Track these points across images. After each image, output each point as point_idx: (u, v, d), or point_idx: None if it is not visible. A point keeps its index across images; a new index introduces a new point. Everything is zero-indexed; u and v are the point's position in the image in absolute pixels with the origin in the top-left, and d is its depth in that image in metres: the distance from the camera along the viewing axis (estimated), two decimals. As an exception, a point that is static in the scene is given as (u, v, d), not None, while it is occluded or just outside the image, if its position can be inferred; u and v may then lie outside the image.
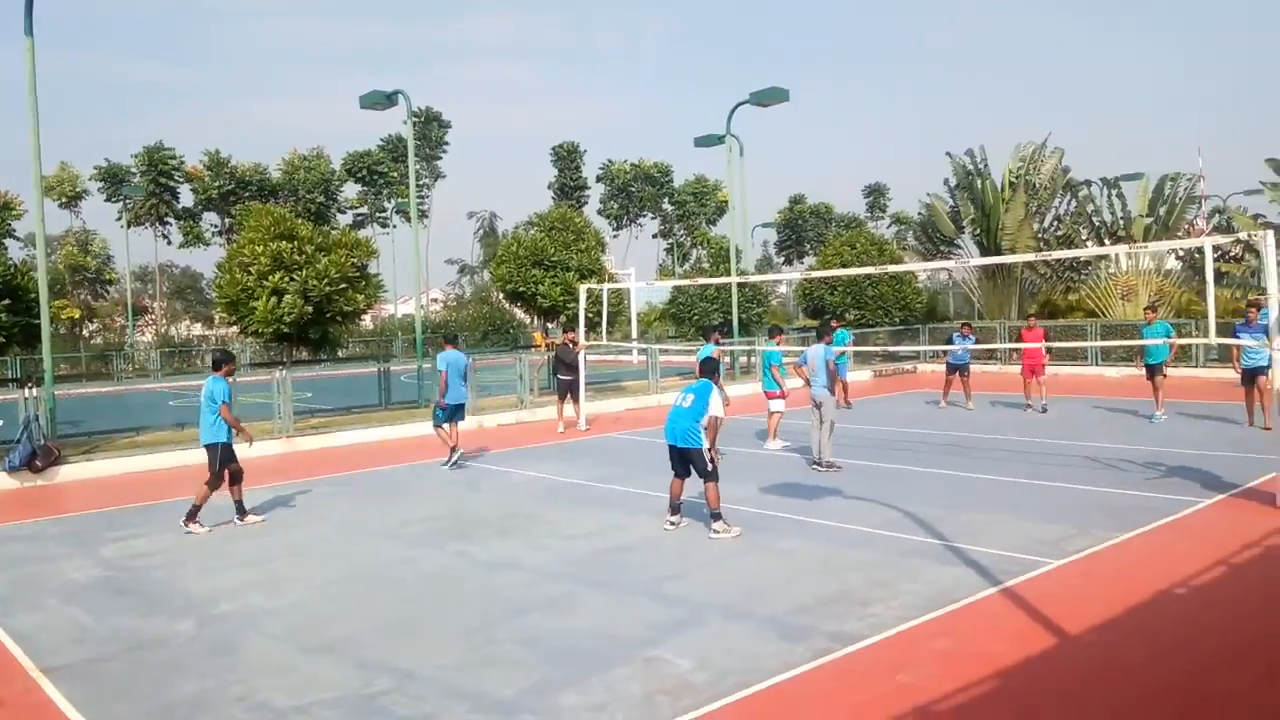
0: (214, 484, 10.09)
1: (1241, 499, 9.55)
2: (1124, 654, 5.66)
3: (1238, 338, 13.61)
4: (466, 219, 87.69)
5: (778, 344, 14.69)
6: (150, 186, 55.87)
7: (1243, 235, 12.80)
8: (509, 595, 7.30)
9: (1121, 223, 32.47)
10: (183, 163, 57.67)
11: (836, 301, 31.27)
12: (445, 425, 13.71)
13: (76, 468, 13.97)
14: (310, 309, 19.22)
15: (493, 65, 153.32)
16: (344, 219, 62.12)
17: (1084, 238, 33.12)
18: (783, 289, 59.54)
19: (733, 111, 25.65)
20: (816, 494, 10.56)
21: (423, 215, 68.59)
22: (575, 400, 17.32)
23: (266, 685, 5.63)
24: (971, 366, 19.07)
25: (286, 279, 18.93)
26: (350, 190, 63.84)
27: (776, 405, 14.13)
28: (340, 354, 30.71)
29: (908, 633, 6.07)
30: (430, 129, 66.10)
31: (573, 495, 11.26)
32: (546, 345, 27.20)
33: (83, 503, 12.06)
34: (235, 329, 23.56)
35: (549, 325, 26.82)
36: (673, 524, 9.15)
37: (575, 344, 17.42)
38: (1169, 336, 15.50)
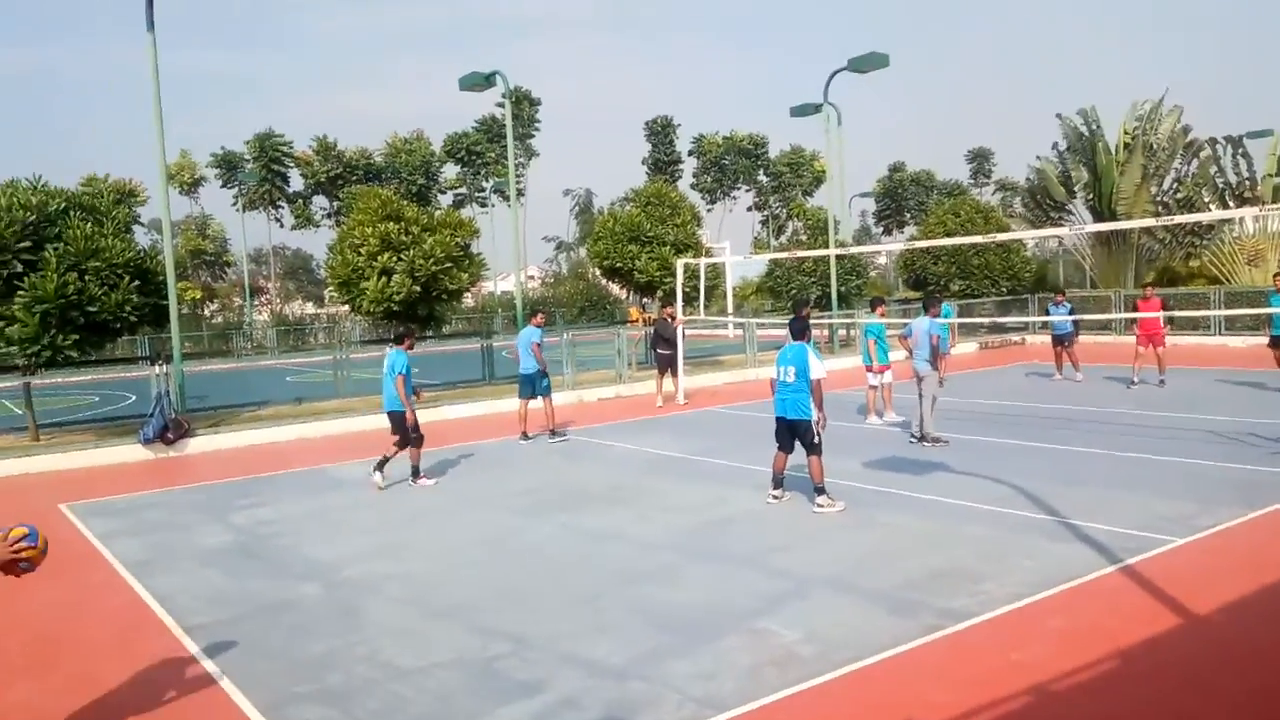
0: (418, 440, 10.93)
1: (1386, 476, 8.98)
2: (1257, 635, 5.43)
3: None
4: (562, 196, 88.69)
5: (880, 315, 14.38)
6: (262, 172, 58.22)
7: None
8: (617, 565, 7.45)
9: (1248, 183, 30.54)
10: (292, 148, 59.86)
11: (940, 272, 30.41)
12: (524, 399, 14.04)
13: (204, 440, 14.79)
14: (418, 288, 19.76)
15: (577, 38, 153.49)
16: (445, 199, 63.47)
17: (1206, 200, 31.30)
18: (882, 260, 58.21)
19: (830, 79, 25.11)
20: (921, 469, 10.39)
21: (520, 194, 69.57)
22: (674, 375, 17.40)
23: (390, 646, 5.91)
24: (1078, 336, 18.24)
25: (394, 259, 19.47)
26: (450, 171, 65.15)
27: (875, 380, 13.90)
28: (445, 330, 31.54)
29: (1022, 610, 5.95)
30: (522, 108, 66.80)
31: (675, 468, 11.35)
32: (643, 320, 27.34)
33: (212, 473, 12.78)
34: (346, 308, 24.40)
35: (645, 301, 26.90)
36: (775, 498, 9.15)
37: (673, 319, 17.47)
38: None
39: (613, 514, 9.20)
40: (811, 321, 13.64)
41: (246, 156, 59.39)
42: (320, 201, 61.48)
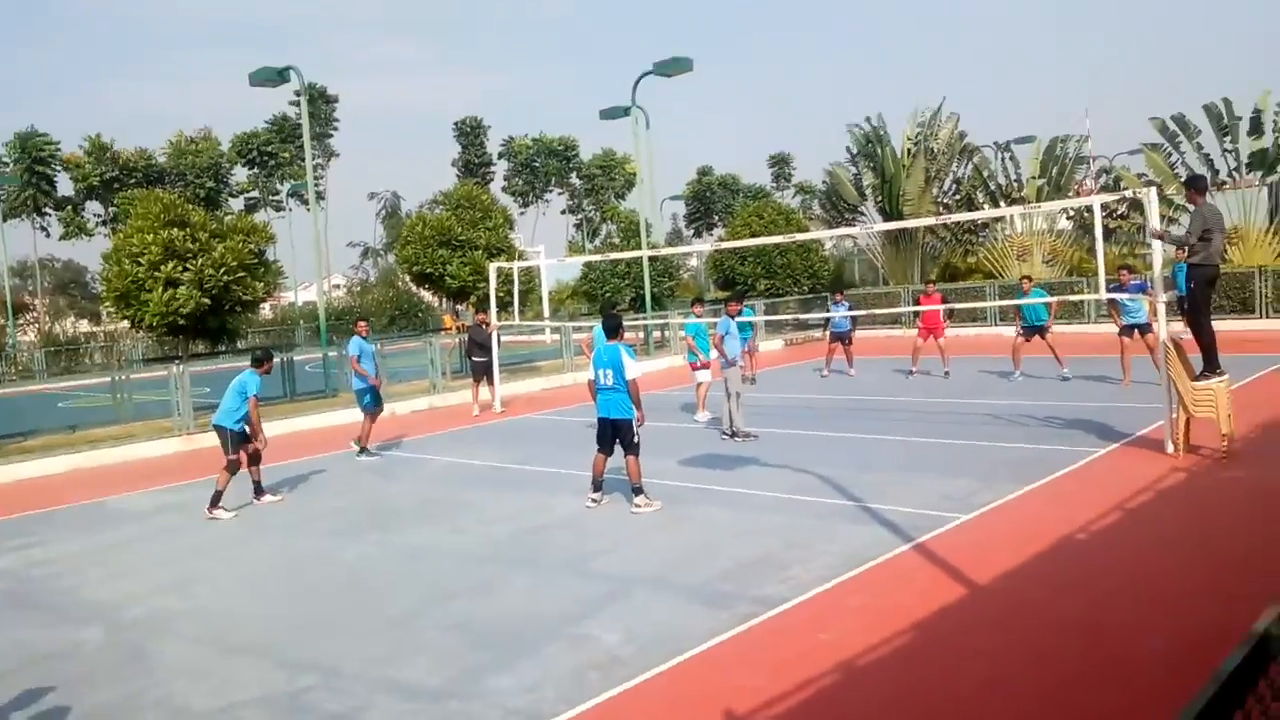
0: (232, 467, 10.16)
1: (1133, 447, 10.08)
2: (1030, 595, 5.94)
3: (1110, 304, 14.38)
4: (368, 200, 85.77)
5: (697, 315, 14.67)
6: (25, 176, 52.73)
7: (1128, 192, 13.45)
8: (432, 582, 7.22)
9: (1016, 185, 33.65)
10: (59, 149, 54.58)
11: (747, 272, 31.63)
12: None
13: (-40, 477, 13.17)
14: (208, 300, 18.48)
15: (380, 40, 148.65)
16: (236, 204, 59.86)
17: (981, 200, 34.21)
18: (694, 261, 59.88)
19: (637, 82, 25.56)
20: (733, 463, 10.72)
21: (319, 197, 66.62)
22: (490, 382, 17.15)
23: (185, 689, 5.45)
24: (854, 332, 19.26)
25: (180, 268, 18.14)
26: (240, 173, 61.52)
27: (702, 376, 14.19)
28: (240, 345, 29.68)
29: (826, 592, 6.23)
30: (318, 106, 64.01)
31: (492, 479, 11.17)
32: (457, 328, 26.80)
33: (-31, 514, 11.39)
34: (126, 324, 22.47)
35: (459, 307, 26.41)
36: (595, 501, 9.16)
37: (488, 325, 17.22)
38: (1045, 301, 15.96)
39: (427, 529, 8.92)
40: (626, 322, 13.81)
41: (4, 159, 53.62)
42: (94, 208, 56.42)
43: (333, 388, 20.16)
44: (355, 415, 17.44)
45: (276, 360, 20.93)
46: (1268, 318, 21.85)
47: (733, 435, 12.24)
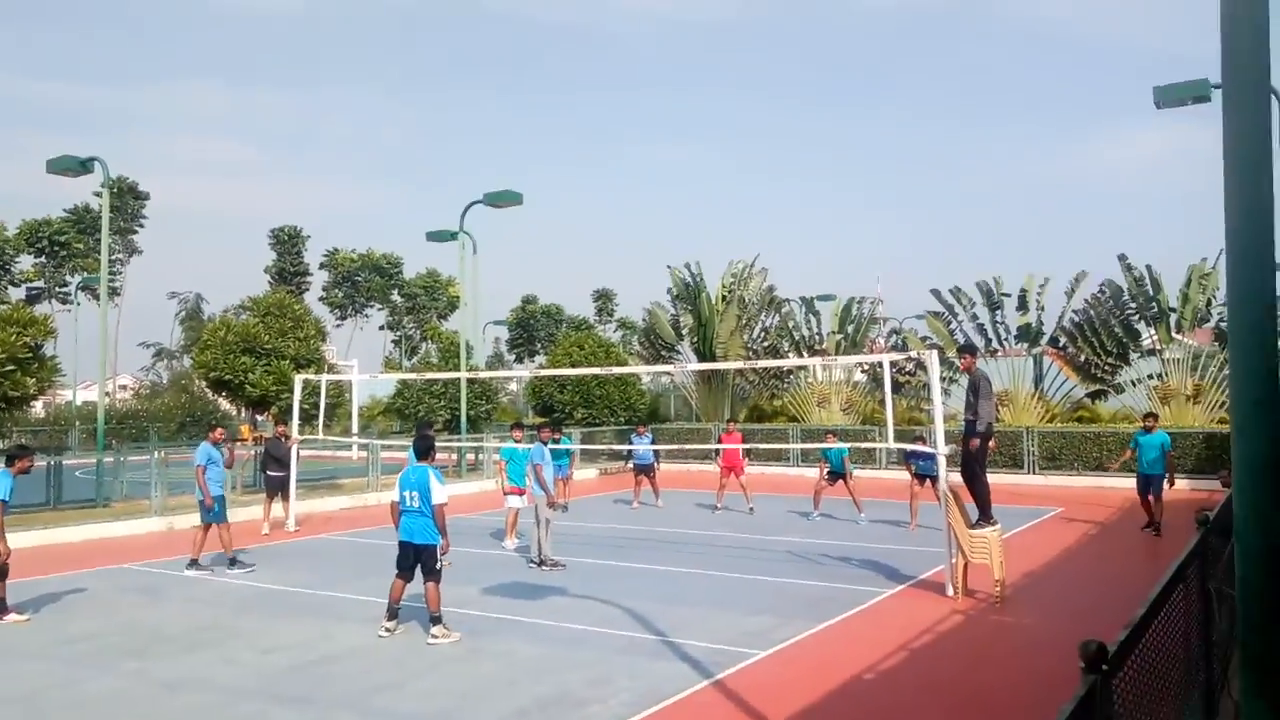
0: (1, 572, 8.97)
1: (918, 589, 10.63)
2: (821, 739, 6.00)
3: (907, 457, 15.53)
4: (167, 299, 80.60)
5: (516, 440, 14.48)
6: None
7: (914, 353, 14.68)
8: (190, 719, 6.46)
9: (817, 338, 36.01)
10: None
11: (566, 400, 31.81)
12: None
13: None
14: (-34, 392, 16.58)
15: (203, 139, 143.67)
16: (16, 293, 54.83)
17: (786, 349, 36.32)
18: (514, 386, 59.72)
19: (466, 209, 25.88)
20: (538, 593, 10.44)
21: (114, 292, 62.23)
22: (285, 499, 16.11)
23: None
24: (659, 465, 19.69)
25: (-65, 356, 16.26)
26: (26, 262, 56.70)
27: (514, 502, 13.89)
28: (1, 444, 26.61)
29: (624, 732, 6.06)
30: (126, 200, 60.66)
31: (276, 603, 10.32)
32: (254, 439, 25.20)
33: None
34: None
35: (259, 417, 24.93)
36: (388, 630, 8.63)
37: (288, 438, 16.31)
38: (844, 456, 16.98)
39: (194, 658, 8.06)
40: (439, 443, 13.42)
41: None
42: None
43: (105, 496, 18.34)
44: (126, 528, 15.92)
45: (42, 463, 18.92)
46: (1035, 473, 24.05)
47: (540, 564, 11.98)
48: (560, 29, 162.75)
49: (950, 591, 10.09)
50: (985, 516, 10.26)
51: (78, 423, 42.76)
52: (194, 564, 12.15)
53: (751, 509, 17.59)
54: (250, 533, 15.68)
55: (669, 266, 37.31)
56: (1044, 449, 24.34)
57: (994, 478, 12.28)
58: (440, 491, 8.59)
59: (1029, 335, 29.35)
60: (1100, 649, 2.53)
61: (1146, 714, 3.40)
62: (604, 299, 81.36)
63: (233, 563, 12.15)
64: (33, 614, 9.78)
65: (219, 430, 13.29)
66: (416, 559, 8.65)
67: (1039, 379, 30.01)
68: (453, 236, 26.88)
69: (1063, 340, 29.06)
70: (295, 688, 7.18)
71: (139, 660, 7.99)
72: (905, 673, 7.48)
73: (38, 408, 41.16)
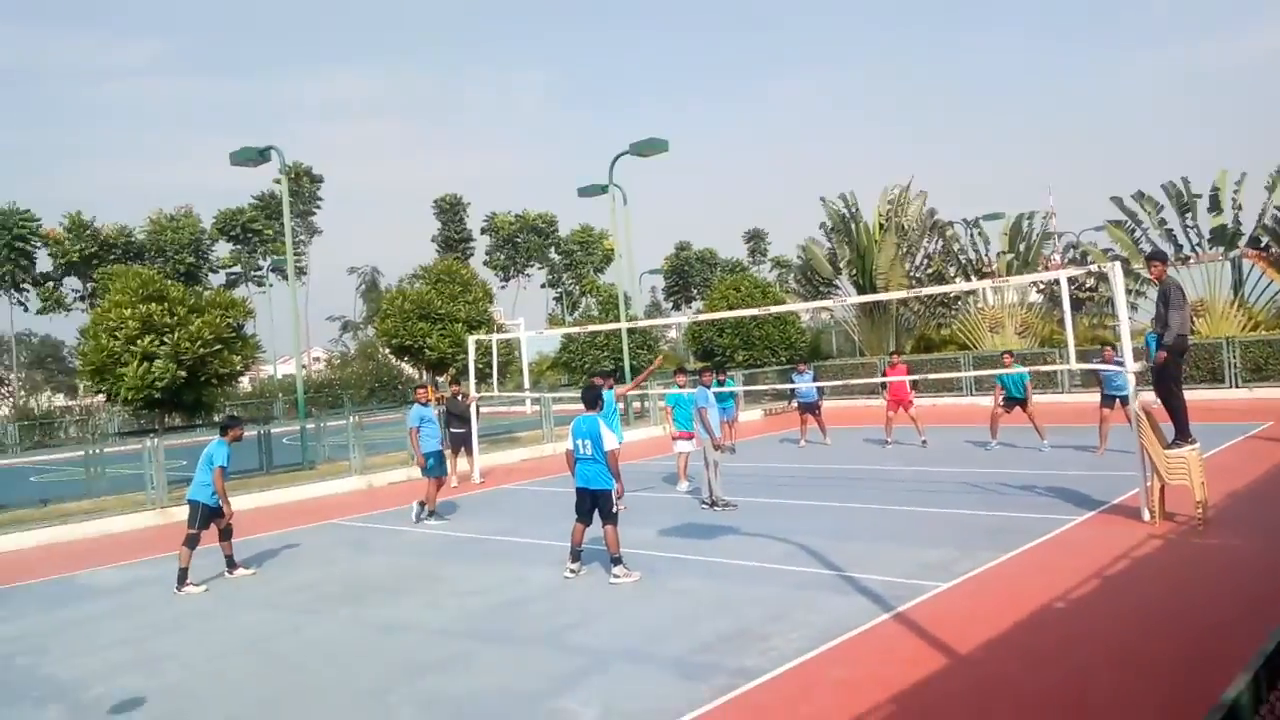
0: (191, 541, 9.93)
1: (1110, 514, 10.11)
2: (1011, 667, 5.88)
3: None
4: (347, 275, 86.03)
5: (680, 385, 14.66)
6: (4, 252, 52.61)
7: (1094, 267, 13.77)
8: (405, 658, 7.06)
9: (986, 260, 34.32)
10: (39, 225, 54.58)
11: (725, 343, 31.87)
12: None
13: (-78, 554, 12.85)
14: (184, 373, 18.38)
15: (363, 122, 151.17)
16: (217, 279, 59.80)
17: (952, 274, 34.83)
18: (672, 333, 60.32)
19: (614, 162, 26.09)
20: (712, 533, 10.65)
21: (300, 272, 66.80)
22: (469, 453, 17.05)
23: (143, 773, 5.27)
24: (822, 401, 19.36)
25: (157, 342, 18.07)
26: (223, 249, 61.66)
27: (682, 446, 14.09)
28: (217, 419, 29.41)
29: (806, 664, 6.15)
30: (302, 184, 64.69)
31: (469, 550, 11.02)
32: (436, 400, 26.70)
33: (-71, 592, 11.09)
34: (102, 397, 22.24)
35: (438, 379, 26.36)
36: (573, 571, 9.06)
37: (465, 396, 17.19)
38: (1026, 381, 16.17)
39: (401, 603, 8.76)
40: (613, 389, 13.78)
41: (-16, 235, 53.48)
42: (72, 283, 56.20)
43: (310, 460, 19.96)
44: (330, 488, 17.33)
45: (253, 433, 20.80)
46: (1236, 387, 22.19)
47: (712, 505, 12.19)
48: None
49: (1146, 516, 9.54)
50: (1183, 435, 9.60)
51: (280, 394, 46.65)
52: (431, 514, 12.97)
53: (924, 441, 17.17)
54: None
55: (822, 199, 36.45)
56: (1247, 360, 22.41)
57: (1192, 394, 11.46)
58: (611, 438, 8.86)
59: (1225, 237, 26.90)
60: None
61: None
62: (756, 239, 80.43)
63: (431, 514, 13.00)
64: (259, 568, 10.87)
65: (423, 389, 14.12)
66: (593, 504, 8.98)
67: (1238, 284, 27.48)
68: (603, 190, 27.20)
69: (1265, 240, 26.43)
70: (495, 627, 7.69)
71: (354, 606, 8.76)
72: (1101, 600, 7.18)
73: (245, 383, 45.12)
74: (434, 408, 14.73)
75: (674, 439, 14.29)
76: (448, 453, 12.84)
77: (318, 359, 72.62)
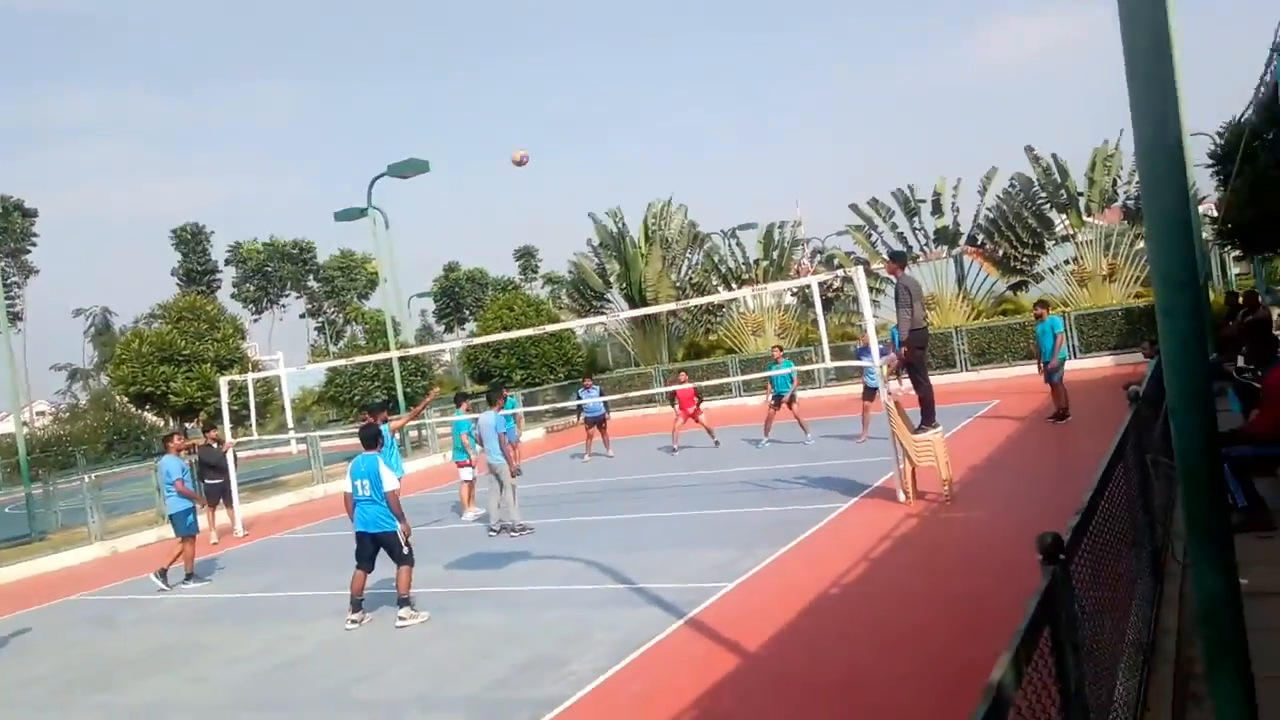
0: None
1: (871, 498, 10.88)
2: (794, 660, 6.12)
3: (859, 359, 15.71)
4: (73, 317, 77.33)
5: (464, 411, 14.40)
6: None
7: (840, 271, 14.83)
8: (166, 743, 6.32)
9: (744, 267, 36.18)
10: None
11: (502, 364, 31.53)
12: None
13: None
14: None
15: (83, 145, 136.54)
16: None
17: (715, 283, 36.43)
18: (447, 357, 58.93)
19: (373, 183, 25.15)
20: (502, 561, 10.41)
21: (15, 317, 59.48)
22: (229, 504, 15.73)
23: None
24: (609, 417, 19.71)
25: None
26: (-85, 296, 53.75)
27: (466, 474, 13.88)
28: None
29: (606, 684, 6.10)
30: (12, 220, 57.76)
31: (235, 612, 10.11)
32: (188, 448, 24.49)
33: None
34: None
35: (187, 426, 24.21)
36: (354, 622, 8.53)
37: (221, 443, 15.87)
38: (794, 377, 17.21)
39: (160, 680, 7.87)
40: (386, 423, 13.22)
41: None
42: None
43: (39, 530, 17.68)
44: (65, 560, 15.39)
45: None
46: (966, 370, 24.72)
47: (503, 530, 11.92)
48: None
49: (901, 497, 10.35)
50: (928, 420, 10.49)
51: (-2, 457, 40.96)
52: (189, 577, 11.79)
53: (717, 442, 17.79)
54: (199, 544, 15.29)
55: (590, 214, 37.02)
56: (974, 345, 25.00)
57: (931, 379, 12.54)
58: (391, 478, 8.50)
59: (947, 237, 29.89)
60: (1055, 540, 2.57)
61: (1107, 589, 3.51)
62: (527, 256, 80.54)
63: (189, 577, 11.85)
64: (-18, 662, 9.42)
65: (176, 438, 12.81)
66: (376, 547, 8.56)
67: (961, 278, 30.68)
68: (362, 213, 26.16)
69: (980, 238, 29.66)
70: (269, 694, 7.06)
71: (103, 692, 7.76)
72: (867, 581, 7.66)
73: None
74: (185, 457, 13.47)
75: (459, 466, 13.96)
76: (202, 507, 11.72)
77: (42, 413, 64.75)
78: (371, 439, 8.82)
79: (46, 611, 11.65)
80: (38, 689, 8.21)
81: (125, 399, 26.40)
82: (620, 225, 36.57)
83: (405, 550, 8.51)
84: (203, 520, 15.84)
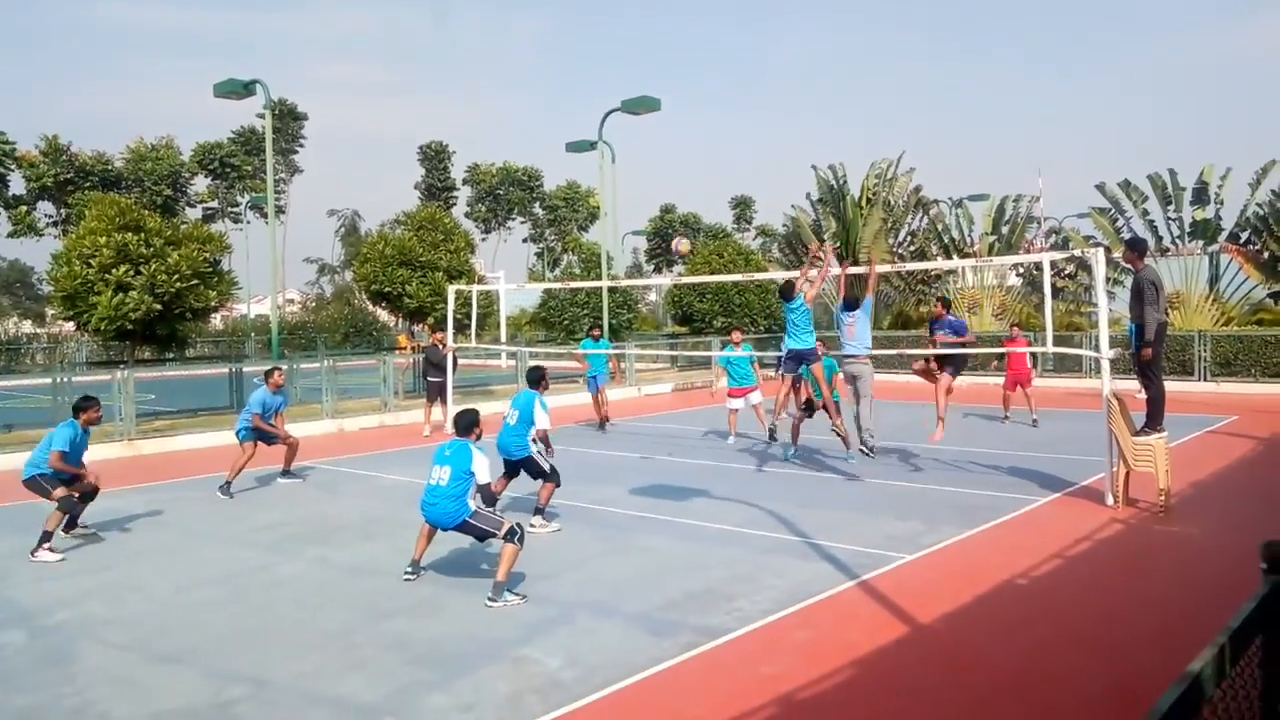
0: (66, 504, 8.90)
1: (1075, 497, 10.27)
2: (969, 638, 5.99)
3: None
4: (327, 217, 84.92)
5: (736, 344, 15.84)
6: (-25, 171, 51.35)
7: (1077, 252, 13.82)
8: (372, 600, 7.08)
9: (968, 239, 34.44)
10: (15, 147, 53.27)
11: (705, 309, 31.86)
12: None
13: (-118, 473, 12.67)
14: (158, 306, 18.11)
15: (351, 63, 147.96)
16: (193, 213, 58.81)
17: (934, 252, 34.94)
18: (652, 296, 60.15)
19: (605, 118, 25.79)
20: (682, 495, 10.71)
21: (280, 211, 65.86)
22: (444, 402, 17.01)
23: (105, 696, 5.27)
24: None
25: (132, 273, 17.77)
26: (200, 183, 60.56)
27: (735, 403, 15.23)
28: (188, 353, 29.06)
29: (770, 626, 6.23)
30: (286, 122, 63.59)
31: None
32: (411, 348, 26.57)
33: (-111, 511, 10.96)
34: (71, 325, 21.91)
35: (415, 328, 26.19)
36: (533, 526, 9.11)
37: (444, 345, 17.11)
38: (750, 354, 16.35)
39: (369, 547, 8.77)
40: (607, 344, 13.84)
41: (-45, 154, 52.09)
42: (46, 208, 55.03)
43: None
44: (300, 430, 17.15)
45: (224, 370, 20.58)
46: (1205, 380, 22.52)
47: (868, 449, 11.88)
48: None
49: (1110, 500, 9.71)
50: (1153, 422, 9.74)
51: (252, 334, 46.10)
52: (225, 487, 11.35)
53: (1035, 421, 16.07)
54: (413, 434, 16.71)
55: (813, 166, 36.31)
56: (1218, 354, 22.70)
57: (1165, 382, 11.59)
58: (543, 418, 9.22)
59: (1206, 231, 27.10)
60: (1282, 550, 2.40)
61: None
62: (742, 206, 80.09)
63: (285, 473, 12.32)
64: (226, 504, 10.83)
65: (276, 372, 12.17)
66: (515, 468, 9.33)
67: (1215, 278, 27.79)
68: (591, 146, 26.94)
69: (1244, 235, 26.69)
70: (460, 575, 7.72)
71: (319, 548, 8.75)
72: (1059, 578, 7.32)
73: (217, 319, 44.57)
74: (408, 356, 14.62)
75: (730, 395, 15.28)
76: (422, 402, 12.60)
77: (292, 300, 71.84)
78: (535, 380, 9.65)
79: (279, 472, 13.12)
80: (268, 535, 9.36)
81: (365, 296, 28.84)
82: (841, 182, 35.63)
83: (547, 468, 9.17)
84: (419, 414, 17.28)
